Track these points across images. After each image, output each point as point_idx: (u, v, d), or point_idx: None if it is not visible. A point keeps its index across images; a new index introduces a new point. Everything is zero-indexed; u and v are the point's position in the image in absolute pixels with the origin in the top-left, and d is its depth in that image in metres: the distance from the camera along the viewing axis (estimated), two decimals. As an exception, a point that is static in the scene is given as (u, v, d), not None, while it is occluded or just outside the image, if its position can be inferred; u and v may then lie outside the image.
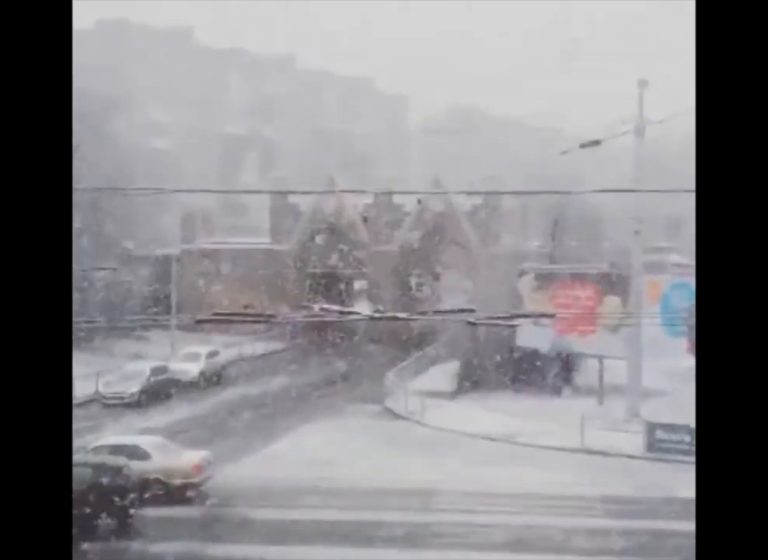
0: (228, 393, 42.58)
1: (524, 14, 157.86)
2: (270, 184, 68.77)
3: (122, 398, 39.05)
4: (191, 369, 43.71)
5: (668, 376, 38.59)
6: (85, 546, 21.29)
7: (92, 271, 45.14)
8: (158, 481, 25.18)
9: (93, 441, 27.85)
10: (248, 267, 60.11)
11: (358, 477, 28.05)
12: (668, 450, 30.31)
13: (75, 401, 32.45)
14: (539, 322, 36.40)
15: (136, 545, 22.72)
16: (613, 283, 38.29)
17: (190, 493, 25.60)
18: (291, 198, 61.54)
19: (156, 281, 54.72)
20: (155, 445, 26.52)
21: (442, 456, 30.76)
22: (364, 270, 61.90)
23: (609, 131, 32.01)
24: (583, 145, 30.37)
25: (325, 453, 30.57)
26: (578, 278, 40.15)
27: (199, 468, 26.09)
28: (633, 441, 31.00)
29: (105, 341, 47.91)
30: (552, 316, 34.69)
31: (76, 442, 21.12)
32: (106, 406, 38.82)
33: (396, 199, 60.17)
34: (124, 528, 22.95)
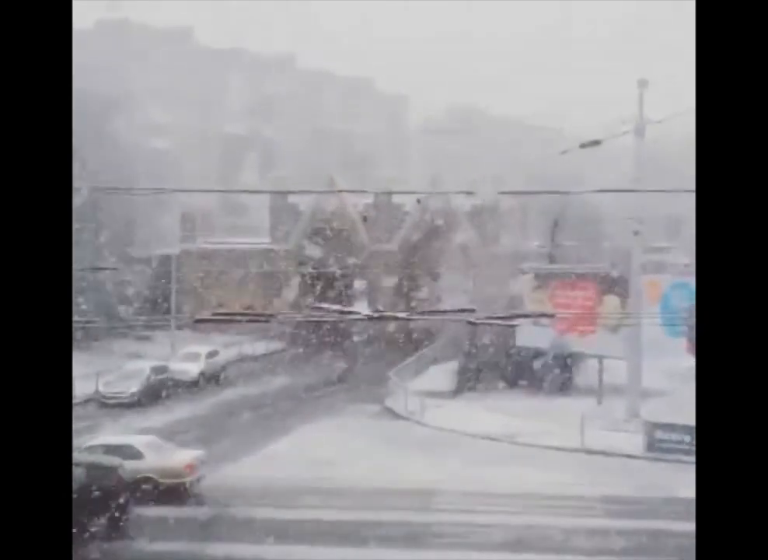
0: (228, 393, 42.54)
1: (524, 14, 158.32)
2: (269, 184, 68.76)
3: (122, 398, 39.05)
4: (191, 369, 43.68)
5: (668, 376, 38.58)
6: (78, 546, 21.21)
7: (92, 271, 45.11)
8: (150, 480, 25.16)
9: (92, 441, 27.80)
10: (248, 267, 60.09)
11: (358, 477, 28.03)
12: (668, 450, 30.30)
13: (74, 401, 32.43)
14: (539, 322, 36.45)
15: (133, 545, 22.64)
16: (613, 283, 38.28)
17: (184, 492, 25.55)
18: (291, 198, 61.42)
19: (156, 281, 54.72)
20: (148, 444, 26.47)
21: (442, 456, 30.73)
22: (363, 270, 61.87)
23: (609, 131, 32.02)
24: (583, 145, 30.39)
25: (325, 453, 30.54)
26: (578, 278, 40.16)
27: (191, 467, 26.04)
28: (633, 441, 30.99)
29: (105, 341, 47.88)
30: (552, 316, 34.72)
31: (75, 442, 21.08)
32: (106, 406, 38.80)
33: (396, 199, 60.12)
34: (117, 528, 22.85)
